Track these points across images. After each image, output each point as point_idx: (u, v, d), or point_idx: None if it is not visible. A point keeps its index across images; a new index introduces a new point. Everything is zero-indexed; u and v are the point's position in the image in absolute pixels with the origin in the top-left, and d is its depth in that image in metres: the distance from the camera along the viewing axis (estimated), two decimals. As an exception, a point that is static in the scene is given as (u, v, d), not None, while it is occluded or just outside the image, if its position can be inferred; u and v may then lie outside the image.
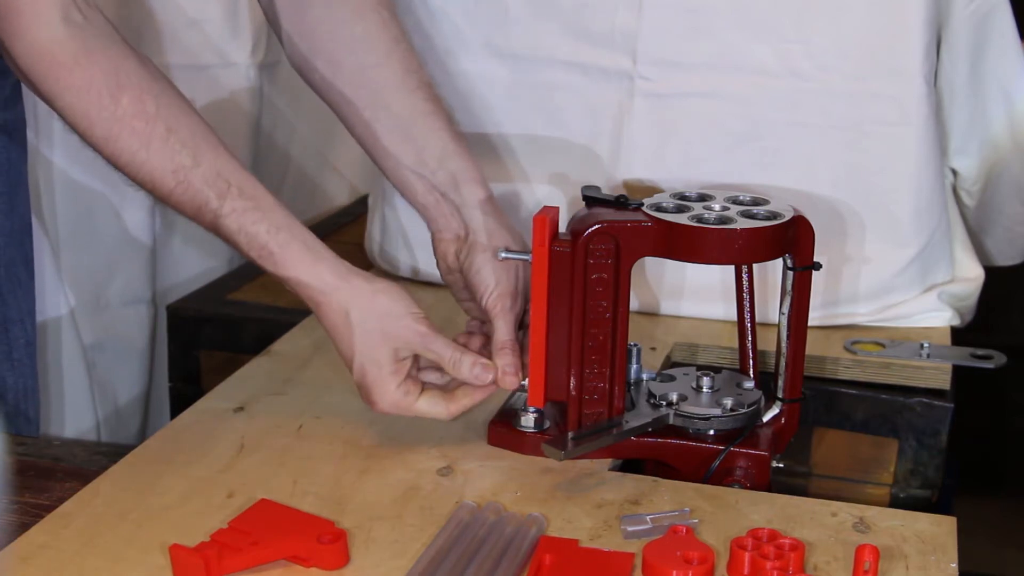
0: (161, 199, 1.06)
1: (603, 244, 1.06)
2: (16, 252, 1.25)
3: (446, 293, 1.53)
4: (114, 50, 1.01)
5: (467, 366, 1.08)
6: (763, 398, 1.14)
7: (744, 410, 1.11)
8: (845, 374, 1.35)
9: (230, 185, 1.04)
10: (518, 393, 1.17)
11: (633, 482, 1.06)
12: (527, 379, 1.10)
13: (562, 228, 1.10)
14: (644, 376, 1.17)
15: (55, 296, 1.62)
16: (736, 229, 1.05)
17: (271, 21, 1.22)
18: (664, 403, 1.12)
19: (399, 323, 1.07)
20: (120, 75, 1.00)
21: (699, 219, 1.07)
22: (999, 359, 1.37)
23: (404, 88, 1.18)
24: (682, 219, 1.07)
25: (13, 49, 0.99)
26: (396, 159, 1.19)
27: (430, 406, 1.08)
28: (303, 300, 1.08)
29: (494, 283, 1.14)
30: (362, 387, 1.08)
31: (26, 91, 1.34)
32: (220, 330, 1.54)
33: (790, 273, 1.10)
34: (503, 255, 1.13)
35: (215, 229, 1.05)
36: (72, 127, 1.02)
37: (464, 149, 1.19)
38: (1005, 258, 1.62)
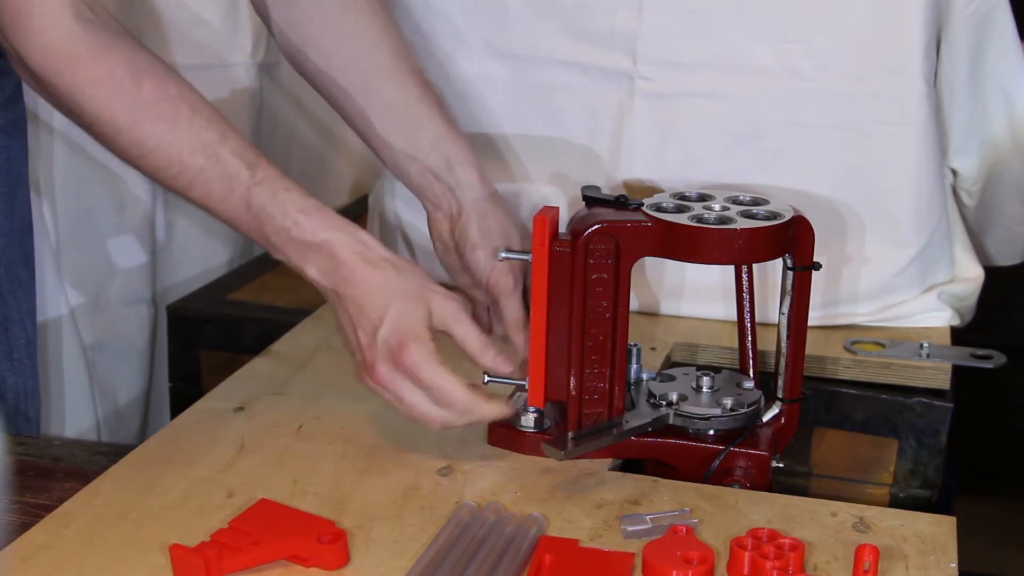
0: (184, 184, 1.04)
1: (603, 244, 1.06)
2: (16, 252, 1.25)
3: (446, 293, 1.53)
4: (127, 43, 1.03)
5: (491, 355, 1.07)
6: (763, 398, 1.14)
7: (744, 410, 1.11)
8: (845, 374, 1.35)
9: (258, 156, 1.05)
10: (518, 393, 1.17)
11: (633, 482, 1.06)
12: (527, 379, 1.10)
13: (562, 228, 1.10)
14: (644, 376, 1.17)
15: (55, 296, 1.62)
16: (736, 229, 1.05)
17: (260, 14, 1.23)
18: (664, 403, 1.12)
19: (435, 293, 1.06)
20: (138, 63, 1.02)
21: (699, 219, 1.07)
22: (999, 359, 1.37)
23: (396, 74, 1.20)
24: (682, 219, 1.07)
25: (24, 50, 1.00)
26: (390, 145, 1.20)
27: (450, 382, 1.04)
28: (324, 275, 1.05)
29: (493, 261, 1.16)
30: (393, 338, 1.03)
31: (27, 90, 1.34)
32: (220, 330, 1.54)
33: (790, 273, 1.10)
34: (503, 255, 1.13)
35: (245, 202, 1.04)
36: (91, 120, 1.02)
37: (456, 133, 1.20)
38: (1005, 258, 1.62)
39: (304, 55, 1.21)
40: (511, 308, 1.14)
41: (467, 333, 1.07)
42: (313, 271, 1.06)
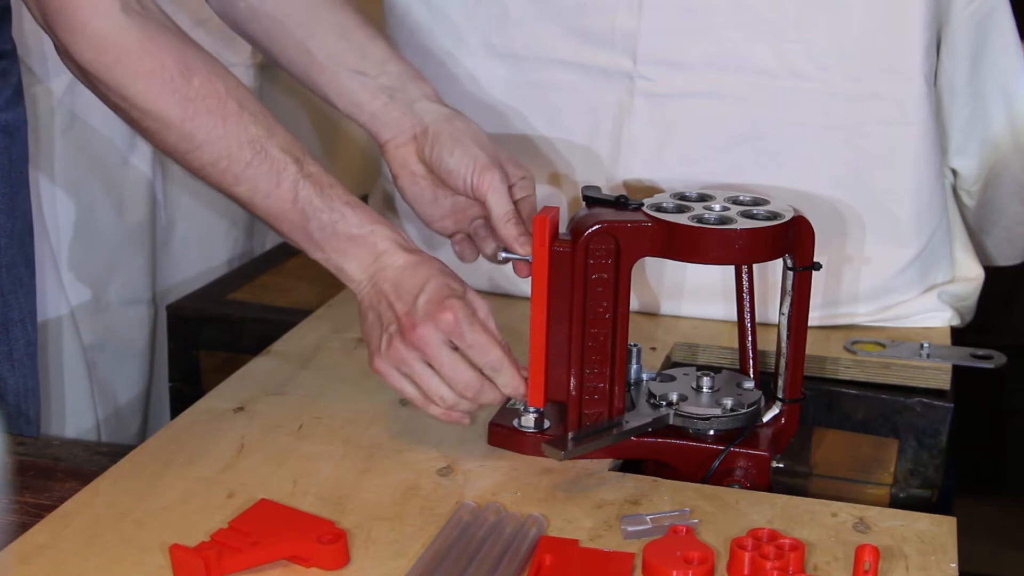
0: (231, 180, 1.05)
1: (603, 244, 1.06)
2: (18, 253, 1.25)
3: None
4: (174, 36, 1.04)
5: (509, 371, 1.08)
6: (763, 398, 1.14)
7: (744, 410, 1.11)
8: (845, 374, 1.35)
9: (303, 151, 1.07)
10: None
11: (633, 482, 1.06)
12: (527, 379, 1.10)
13: (562, 228, 1.10)
14: (644, 376, 1.17)
15: (55, 296, 1.62)
16: (736, 229, 1.05)
17: None
18: (664, 403, 1.12)
19: (469, 288, 1.08)
20: (187, 58, 1.03)
21: (699, 219, 1.07)
22: (999, 359, 1.37)
23: (333, 2, 1.20)
24: (682, 219, 1.07)
25: (73, 44, 1.01)
26: (334, 69, 1.19)
27: (490, 339, 1.05)
28: (364, 268, 1.06)
29: (472, 161, 1.15)
30: (434, 299, 1.04)
31: (26, 91, 1.34)
32: (220, 330, 1.54)
33: (790, 273, 1.10)
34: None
35: (293, 195, 1.05)
36: (141, 115, 1.02)
37: (401, 55, 1.20)
38: (1005, 258, 1.62)
39: None
40: (499, 203, 1.13)
41: (487, 335, 1.07)
42: (352, 265, 1.07)
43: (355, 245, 1.06)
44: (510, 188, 1.17)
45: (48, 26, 1.02)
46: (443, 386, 1.06)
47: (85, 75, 1.03)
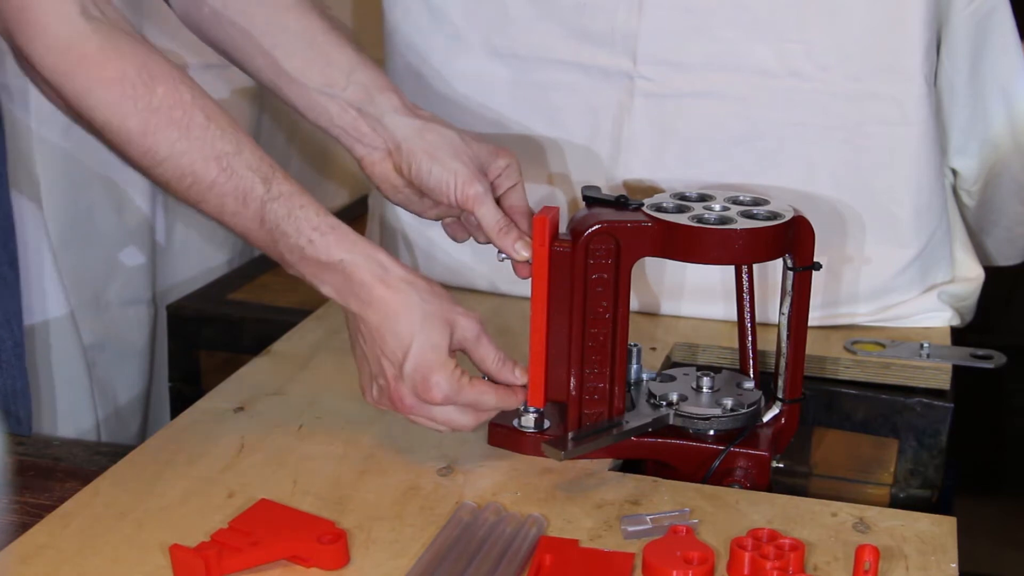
0: (196, 197, 1.01)
1: (603, 244, 1.06)
2: (1, 253, 1.24)
3: (446, 293, 1.53)
4: (136, 42, 0.99)
5: (509, 371, 1.07)
6: (763, 398, 1.14)
7: (744, 410, 1.11)
8: (845, 374, 1.35)
9: (274, 170, 1.02)
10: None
11: (633, 482, 1.06)
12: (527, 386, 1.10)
13: (562, 228, 1.10)
14: (644, 376, 1.17)
15: (55, 296, 1.62)
16: (736, 229, 1.05)
17: None
18: (664, 403, 1.12)
19: (457, 314, 1.04)
20: (150, 65, 0.98)
21: (699, 219, 1.07)
22: (999, 359, 1.37)
23: (298, 8, 1.16)
24: (682, 219, 1.07)
25: (33, 51, 0.96)
26: (302, 83, 1.15)
27: (481, 392, 1.04)
28: (340, 295, 1.02)
29: (452, 176, 1.12)
30: (419, 373, 1.01)
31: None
32: (220, 330, 1.54)
33: (790, 273, 1.10)
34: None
35: (259, 218, 1.00)
36: (102, 126, 0.98)
37: (369, 61, 1.16)
38: (1005, 258, 1.62)
39: (199, 0, 1.15)
40: (488, 215, 1.11)
41: (486, 353, 1.06)
42: (328, 290, 1.03)
43: (327, 271, 1.01)
44: (495, 182, 1.15)
45: (6, 31, 0.97)
46: (461, 418, 1.05)
47: (48, 85, 0.98)
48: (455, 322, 1.03)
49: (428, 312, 1.01)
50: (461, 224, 1.20)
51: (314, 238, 1.01)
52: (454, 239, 1.22)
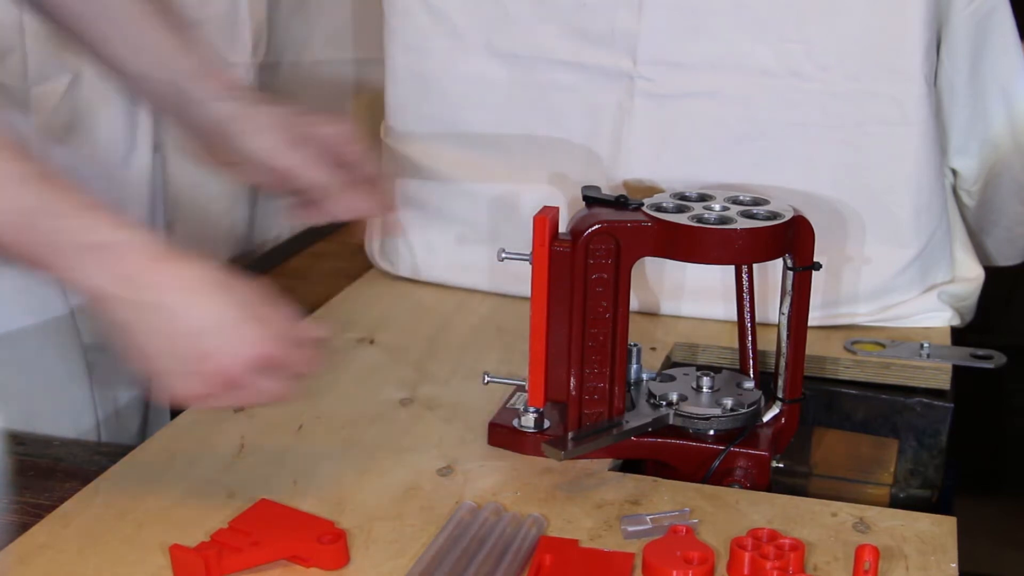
0: None
1: (603, 244, 1.06)
2: None
3: (447, 293, 1.53)
4: None
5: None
6: (763, 398, 1.14)
7: (744, 410, 1.11)
8: (845, 374, 1.35)
9: (25, 147, 0.88)
10: (518, 393, 1.17)
11: (633, 482, 1.06)
12: (527, 380, 1.10)
13: (562, 228, 1.10)
14: (644, 376, 1.17)
15: (55, 296, 1.62)
16: (736, 229, 1.05)
17: None
18: (664, 403, 1.12)
19: (239, 282, 0.93)
20: None
21: (699, 219, 1.07)
22: (999, 359, 1.37)
23: None
24: (682, 219, 1.07)
25: None
26: (133, 68, 1.11)
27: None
28: (115, 282, 0.89)
29: (271, 150, 1.10)
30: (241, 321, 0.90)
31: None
32: (220, 330, 1.54)
33: (790, 273, 1.10)
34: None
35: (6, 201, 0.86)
36: None
37: (201, 45, 1.12)
38: (1005, 258, 1.62)
39: None
40: (310, 181, 1.08)
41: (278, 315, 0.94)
42: (97, 280, 0.89)
43: (95, 255, 0.89)
44: (338, 152, 1.11)
45: None
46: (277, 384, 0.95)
47: None
48: (237, 287, 0.93)
49: (214, 278, 0.92)
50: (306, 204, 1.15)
51: (84, 216, 0.90)
52: (306, 220, 1.17)
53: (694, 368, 1.18)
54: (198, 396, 0.93)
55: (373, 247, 1.59)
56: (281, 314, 0.94)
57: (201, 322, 0.90)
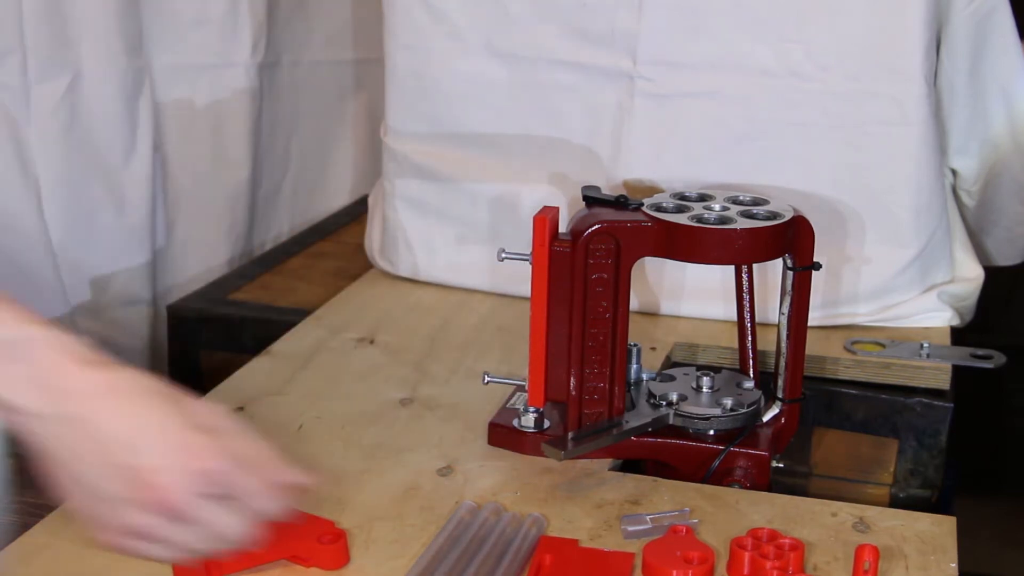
0: None
1: (603, 244, 1.06)
2: None
3: (447, 293, 1.53)
4: None
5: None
6: (763, 398, 1.14)
7: (744, 410, 1.11)
8: (845, 374, 1.35)
9: None
10: (518, 393, 1.17)
11: (633, 482, 1.06)
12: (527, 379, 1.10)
13: (562, 228, 1.10)
14: (644, 376, 1.17)
15: (55, 296, 1.62)
16: (736, 229, 1.05)
17: None
18: (664, 403, 1.12)
19: (185, 396, 0.82)
20: None
21: (699, 219, 1.07)
22: (999, 359, 1.37)
23: None
24: (682, 219, 1.07)
25: None
26: None
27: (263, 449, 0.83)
28: (33, 388, 0.75)
29: None
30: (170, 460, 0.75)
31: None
32: (220, 330, 1.54)
33: (790, 273, 1.10)
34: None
35: None
36: None
37: None
38: (1005, 258, 1.62)
39: None
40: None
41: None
42: (3, 389, 0.75)
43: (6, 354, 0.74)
44: None
45: None
46: (231, 517, 0.81)
47: None
48: (184, 401, 0.81)
49: (151, 387, 0.82)
50: None
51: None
52: None
53: (694, 368, 1.18)
54: (134, 533, 0.76)
55: (373, 247, 1.59)
56: (235, 430, 0.81)
57: (133, 432, 0.75)
